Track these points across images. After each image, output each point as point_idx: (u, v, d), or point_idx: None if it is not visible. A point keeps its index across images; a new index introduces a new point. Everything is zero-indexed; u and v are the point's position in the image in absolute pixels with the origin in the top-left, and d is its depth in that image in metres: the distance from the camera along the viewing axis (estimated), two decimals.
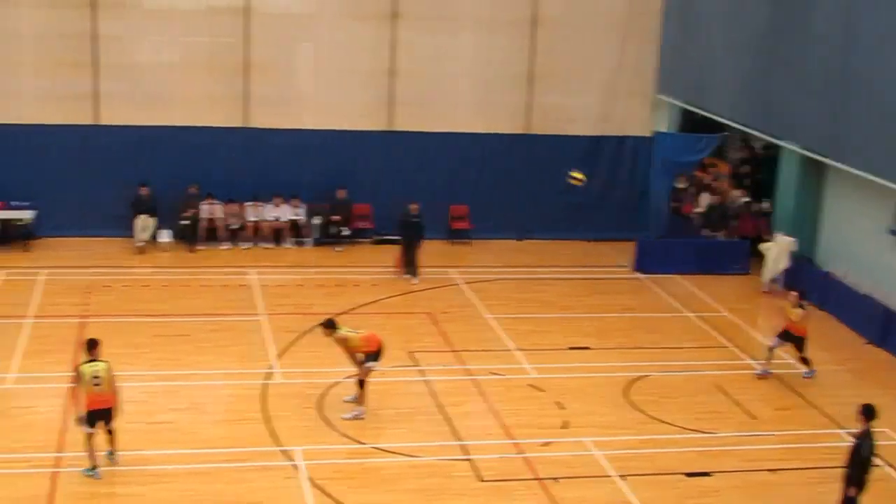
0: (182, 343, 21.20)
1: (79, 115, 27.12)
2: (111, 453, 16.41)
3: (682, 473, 17.02)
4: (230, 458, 16.74)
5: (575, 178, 24.60)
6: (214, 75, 27.60)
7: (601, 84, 29.27)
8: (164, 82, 27.50)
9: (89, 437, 16.03)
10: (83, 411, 15.99)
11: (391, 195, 27.72)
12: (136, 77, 27.39)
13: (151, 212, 26.92)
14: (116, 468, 16.26)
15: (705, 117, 28.80)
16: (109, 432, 16.30)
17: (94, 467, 16.03)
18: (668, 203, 28.86)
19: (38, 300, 23.10)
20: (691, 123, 30.82)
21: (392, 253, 26.14)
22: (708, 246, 27.76)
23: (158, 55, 27.82)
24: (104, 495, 15.65)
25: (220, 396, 19.11)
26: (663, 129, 30.31)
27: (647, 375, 20.67)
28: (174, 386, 19.28)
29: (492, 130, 28.89)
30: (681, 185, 30.13)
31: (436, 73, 28.46)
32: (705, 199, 29.33)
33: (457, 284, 25.51)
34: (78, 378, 16.04)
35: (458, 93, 28.72)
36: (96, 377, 15.91)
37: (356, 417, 18.18)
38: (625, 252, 27.73)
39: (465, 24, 28.54)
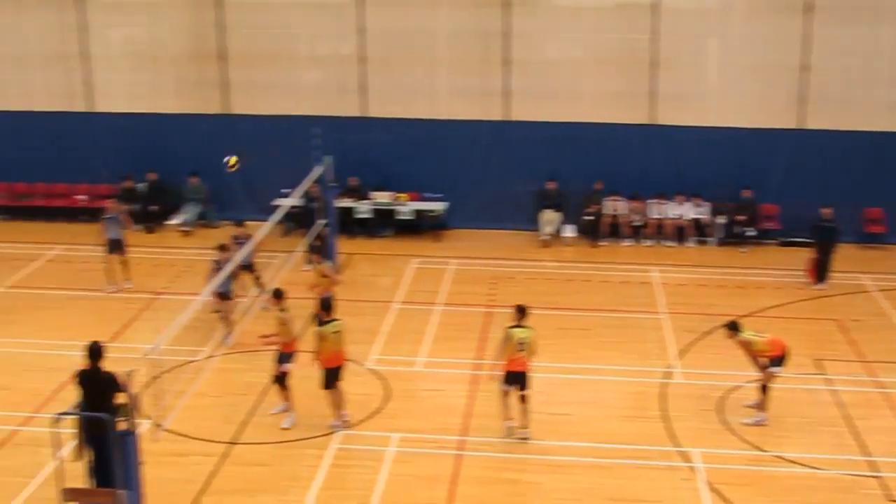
0: (583, 337, 21.41)
1: (490, 111, 27.97)
2: (524, 437, 17.05)
3: None
4: (628, 454, 16.71)
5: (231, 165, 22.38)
6: (622, 72, 27.65)
7: None
8: (572, 79, 27.85)
9: (504, 394, 17.00)
10: (502, 371, 16.95)
11: (800, 196, 26.73)
12: (545, 74, 27.90)
13: (557, 207, 27.37)
14: (513, 455, 16.67)
15: None
16: (522, 398, 17.01)
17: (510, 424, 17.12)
18: None
19: (447, 288, 24.05)
20: None
21: (800, 256, 25.15)
22: None
23: (567, 52, 28.20)
24: (505, 481, 16.05)
25: (620, 392, 19.12)
26: None
27: None
28: (575, 379, 19.48)
29: None
30: None
31: (852, 68, 27.10)
32: None
33: (869, 291, 24.24)
34: (506, 340, 16.89)
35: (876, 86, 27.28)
36: (522, 342, 16.83)
37: (758, 423, 17.65)
38: None
39: (886, 15, 27.02)
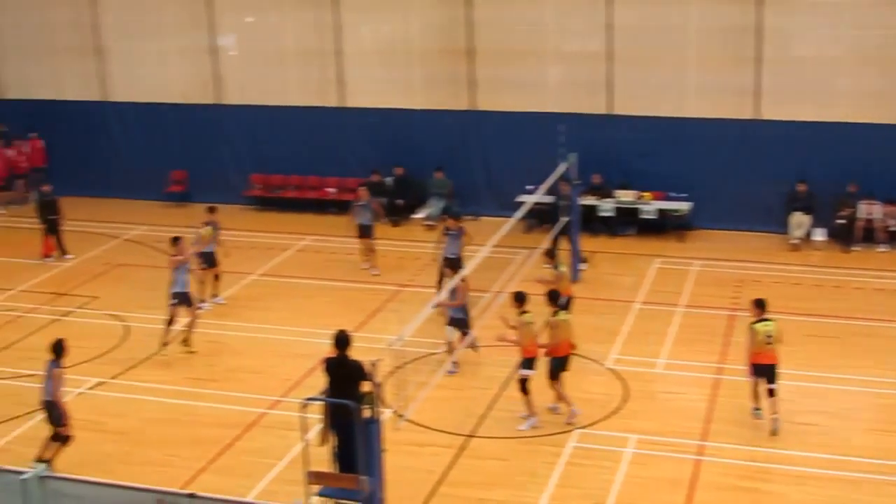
0: (831, 345, 20.64)
1: (740, 110, 27.30)
2: (774, 424, 16.96)
3: None
4: (878, 469, 16.02)
5: None
6: (882, 70, 26.48)
7: None
8: (828, 77, 26.88)
9: (754, 385, 17.22)
10: (749, 364, 17.18)
11: None
12: (798, 71, 27.02)
13: (807, 209, 26.47)
14: (755, 464, 16.27)
15: None
16: (771, 392, 16.91)
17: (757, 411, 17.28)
18: None
19: (689, 290, 23.62)
20: None
21: None
22: None
23: (824, 49, 27.21)
24: (745, 489, 15.67)
25: (871, 404, 18.34)
26: None
27: None
28: (822, 388, 18.80)
29: None
30: None
31: None
32: None
33: None
34: (752, 335, 17.01)
35: None
36: (769, 335, 16.82)
37: None
38: None
39: None
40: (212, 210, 23.31)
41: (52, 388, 16.08)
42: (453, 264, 20.92)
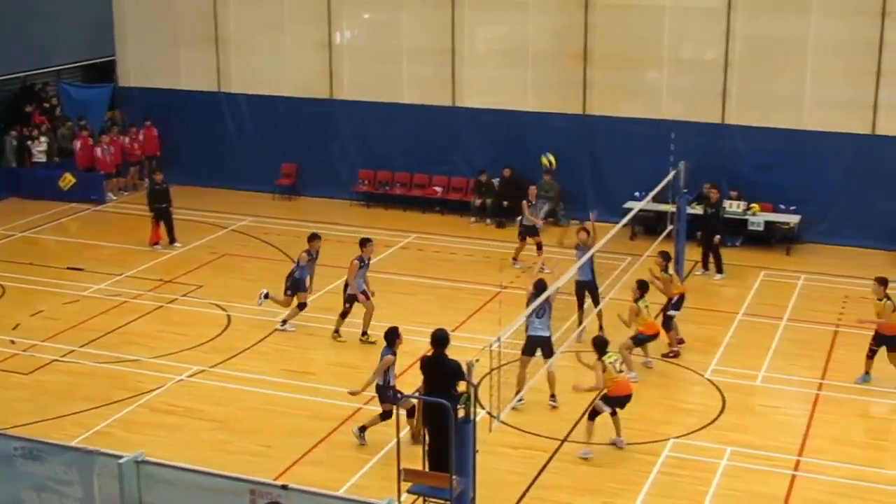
0: None
1: (856, 124, 26.78)
2: None
3: None
4: None
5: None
6: None
7: None
8: None
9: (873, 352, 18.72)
10: None
11: None
12: None
13: None
14: (851, 482, 15.98)
15: None
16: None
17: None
18: None
19: (794, 303, 23.28)
20: None
21: None
22: None
23: None
24: None
25: None
26: None
27: None
28: None
29: None
30: None
31: None
32: None
33: None
34: (883, 309, 18.44)
35: None
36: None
37: None
38: None
39: None
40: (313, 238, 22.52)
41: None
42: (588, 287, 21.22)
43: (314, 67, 31.48)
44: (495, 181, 29.29)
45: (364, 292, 21.07)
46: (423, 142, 30.59)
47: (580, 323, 20.71)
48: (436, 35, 30.10)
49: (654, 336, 19.62)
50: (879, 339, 18.96)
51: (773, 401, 18.89)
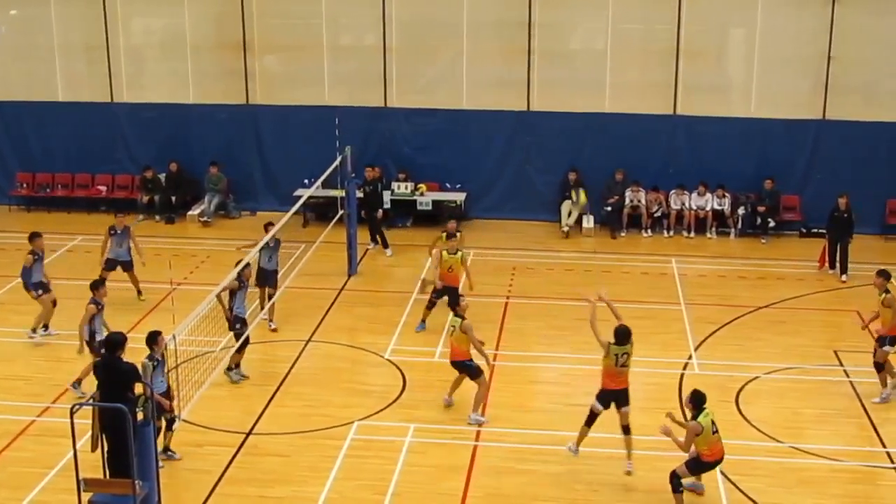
0: (602, 328, 21.21)
1: (513, 102, 27.90)
2: None
3: None
4: (647, 445, 16.54)
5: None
6: (646, 62, 27.52)
7: None
8: (596, 69, 27.72)
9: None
10: None
11: (821, 186, 26.58)
12: (567, 64, 27.89)
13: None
14: (525, 446, 16.61)
15: None
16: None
17: None
18: None
19: (465, 278, 23.90)
20: None
21: (820, 247, 24.95)
22: None
23: (591, 42, 28.11)
24: (516, 472, 16.01)
25: (639, 384, 18.76)
26: None
27: None
28: (595, 370, 19.29)
29: None
30: None
31: (877, 59, 26.83)
32: None
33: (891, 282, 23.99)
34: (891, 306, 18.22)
35: None
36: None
37: (883, 401, 18.15)
38: None
39: None
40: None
41: None
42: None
43: None
44: (162, 176, 28.64)
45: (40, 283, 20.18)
46: (82, 141, 29.50)
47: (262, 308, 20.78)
48: (88, 30, 29.07)
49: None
50: (882, 341, 18.41)
51: (451, 375, 19.29)
